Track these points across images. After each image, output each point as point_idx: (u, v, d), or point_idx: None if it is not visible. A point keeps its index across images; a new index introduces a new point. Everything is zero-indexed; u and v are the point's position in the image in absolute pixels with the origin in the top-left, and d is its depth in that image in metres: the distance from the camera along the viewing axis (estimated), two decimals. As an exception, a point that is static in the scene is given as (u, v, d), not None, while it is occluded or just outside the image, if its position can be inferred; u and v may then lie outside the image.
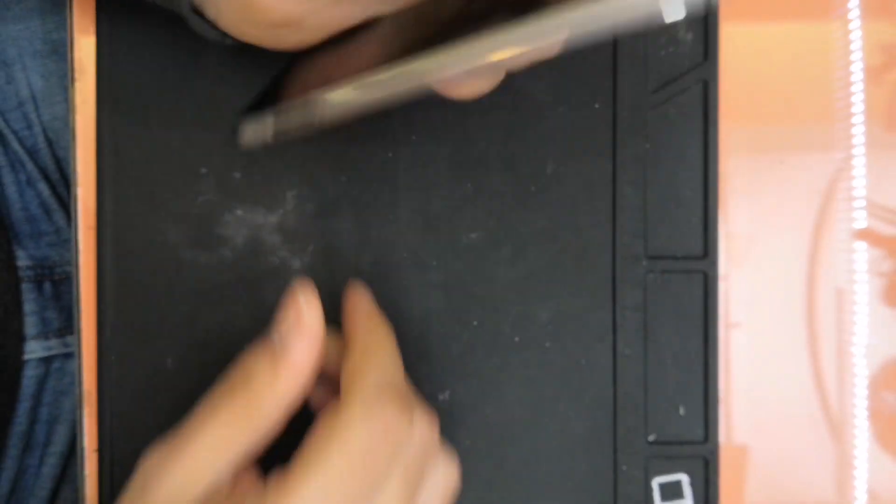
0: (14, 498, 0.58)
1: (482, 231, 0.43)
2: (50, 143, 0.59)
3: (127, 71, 0.42)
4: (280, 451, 0.35)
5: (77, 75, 0.42)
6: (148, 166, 0.42)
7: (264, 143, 0.40)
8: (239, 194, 0.42)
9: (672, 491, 0.43)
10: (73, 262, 0.42)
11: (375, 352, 0.37)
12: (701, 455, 0.43)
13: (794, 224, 0.44)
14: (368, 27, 0.36)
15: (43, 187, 0.58)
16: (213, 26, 0.37)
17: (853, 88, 0.44)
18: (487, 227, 0.42)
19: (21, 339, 0.57)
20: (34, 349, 0.58)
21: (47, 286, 0.59)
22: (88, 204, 0.42)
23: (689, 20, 0.42)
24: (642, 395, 0.43)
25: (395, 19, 0.35)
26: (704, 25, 0.42)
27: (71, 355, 0.59)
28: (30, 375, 0.58)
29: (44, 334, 0.59)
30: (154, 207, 0.42)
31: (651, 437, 0.43)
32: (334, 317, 0.42)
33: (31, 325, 0.58)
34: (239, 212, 0.42)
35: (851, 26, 0.44)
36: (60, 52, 0.58)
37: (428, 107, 0.42)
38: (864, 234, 0.44)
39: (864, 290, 0.44)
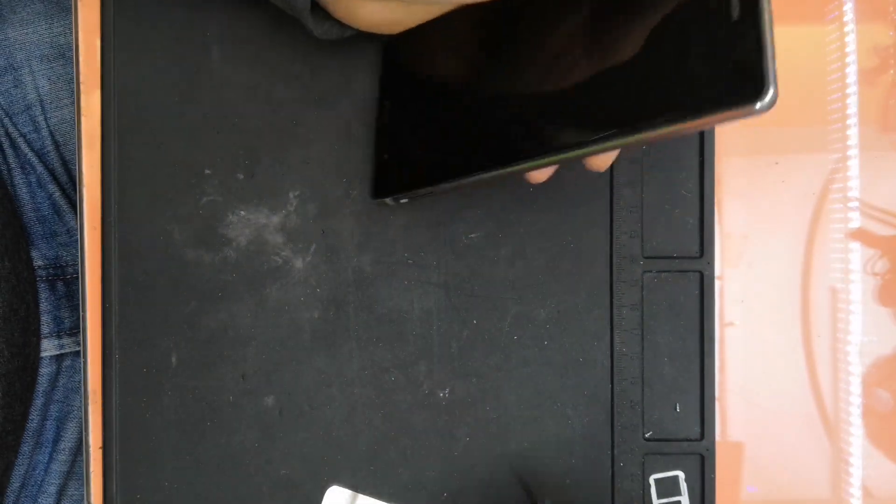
0: (24, 493, 0.59)
1: (482, 231, 0.43)
2: (57, 145, 0.59)
3: (132, 74, 0.43)
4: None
5: (83, 79, 0.43)
6: (153, 168, 0.42)
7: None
8: (242, 195, 0.43)
9: (668, 487, 0.43)
10: (79, 262, 0.43)
11: None
12: (697, 452, 0.43)
13: (789, 224, 0.44)
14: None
15: (53, 188, 0.59)
16: (327, 19, 0.38)
17: (847, 90, 0.44)
18: (487, 227, 0.43)
19: (39, 337, 0.58)
20: (47, 347, 0.59)
21: (60, 286, 0.60)
22: (94, 205, 0.43)
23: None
24: (639, 392, 0.43)
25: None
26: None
27: (81, 353, 0.60)
28: (43, 373, 0.59)
29: (56, 333, 0.59)
30: (159, 208, 0.42)
31: (648, 434, 0.43)
32: (336, 316, 0.43)
33: (44, 323, 0.59)
34: (242, 212, 0.43)
35: (846, 29, 0.44)
36: (67, 56, 0.58)
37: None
38: (857, 234, 0.44)
39: (857, 290, 0.44)
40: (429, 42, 0.39)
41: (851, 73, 0.44)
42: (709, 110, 0.27)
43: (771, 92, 0.25)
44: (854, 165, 0.44)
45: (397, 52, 0.41)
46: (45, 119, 0.59)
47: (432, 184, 0.38)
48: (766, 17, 0.26)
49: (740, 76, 0.26)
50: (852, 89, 0.44)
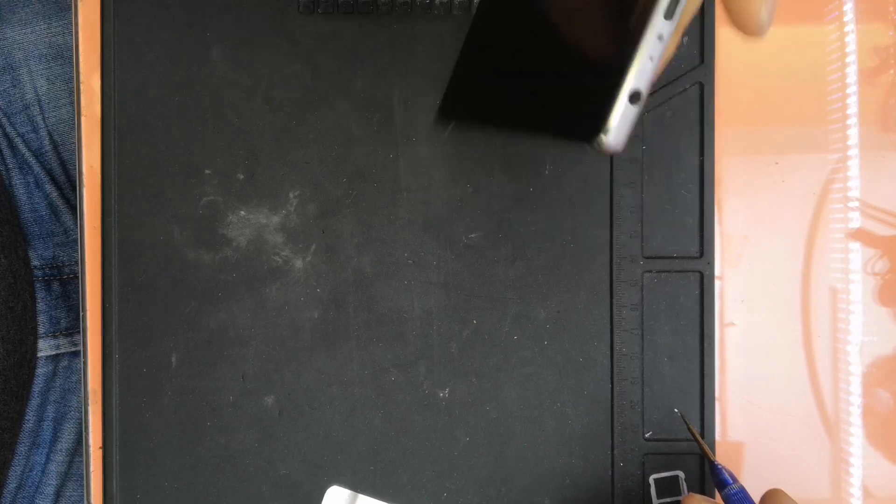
0: (21, 494, 0.59)
1: (482, 231, 0.43)
2: (55, 145, 0.59)
3: (132, 74, 0.42)
4: None
5: (83, 79, 0.43)
6: (152, 168, 0.42)
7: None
8: (242, 195, 0.43)
9: (668, 487, 0.43)
10: (79, 263, 0.43)
11: None
12: (697, 452, 0.43)
13: (789, 224, 0.44)
14: None
15: (50, 189, 0.59)
16: None
17: (847, 90, 0.44)
18: (487, 227, 0.43)
19: (36, 336, 0.58)
20: (43, 347, 0.59)
21: (56, 286, 0.60)
22: (94, 205, 0.43)
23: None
24: (639, 392, 0.43)
25: None
26: (700, 28, 0.43)
27: (79, 353, 0.60)
28: (39, 373, 0.59)
29: (52, 333, 0.59)
30: (158, 208, 0.42)
31: (648, 434, 0.43)
32: (336, 316, 0.43)
33: (40, 323, 0.59)
34: (242, 212, 0.43)
35: (846, 29, 0.44)
36: (65, 56, 0.58)
37: (428, 109, 0.42)
38: (857, 234, 0.44)
39: (857, 290, 0.44)
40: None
41: (851, 73, 0.44)
42: (558, 135, 0.28)
43: (606, 141, 0.25)
44: (854, 165, 0.44)
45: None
46: (44, 119, 0.59)
47: (491, 125, 0.40)
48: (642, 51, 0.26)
49: (593, 112, 0.26)
50: (852, 89, 0.44)
